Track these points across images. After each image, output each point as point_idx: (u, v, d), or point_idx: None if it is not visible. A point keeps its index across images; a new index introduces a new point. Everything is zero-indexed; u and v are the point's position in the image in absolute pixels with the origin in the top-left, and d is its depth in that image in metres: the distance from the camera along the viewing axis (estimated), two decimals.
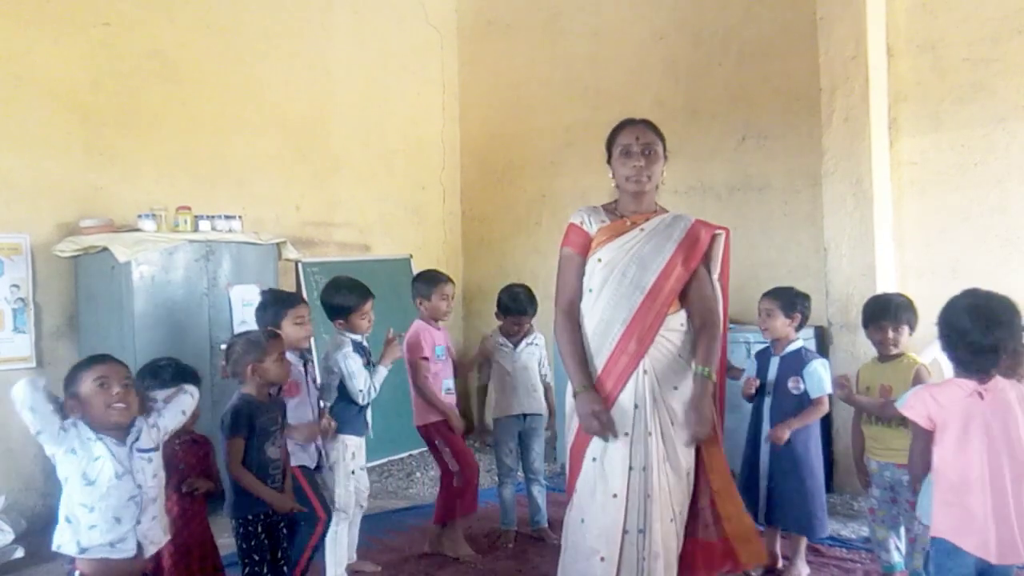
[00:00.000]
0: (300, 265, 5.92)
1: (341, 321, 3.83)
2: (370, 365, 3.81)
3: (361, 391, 3.74)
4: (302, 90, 6.31)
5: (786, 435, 3.67)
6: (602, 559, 2.74)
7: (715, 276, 2.97)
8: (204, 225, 5.05)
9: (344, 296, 3.84)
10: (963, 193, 4.92)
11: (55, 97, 4.98)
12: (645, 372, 2.79)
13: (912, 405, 2.53)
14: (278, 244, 5.44)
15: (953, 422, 2.45)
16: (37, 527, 4.57)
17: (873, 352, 3.63)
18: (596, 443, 2.80)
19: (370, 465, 4.64)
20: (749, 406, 3.92)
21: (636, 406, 2.78)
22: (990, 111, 4.81)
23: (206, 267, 4.98)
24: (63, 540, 2.40)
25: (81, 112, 5.09)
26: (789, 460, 3.73)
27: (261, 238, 5.32)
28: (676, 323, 2.86)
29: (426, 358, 4.10)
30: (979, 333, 2.44)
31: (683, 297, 2.90)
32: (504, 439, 4.40)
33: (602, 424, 2.73)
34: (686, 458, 2.82)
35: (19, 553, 4.22)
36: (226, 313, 5.00)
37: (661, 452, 2.77)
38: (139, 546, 2.46)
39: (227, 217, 5.18)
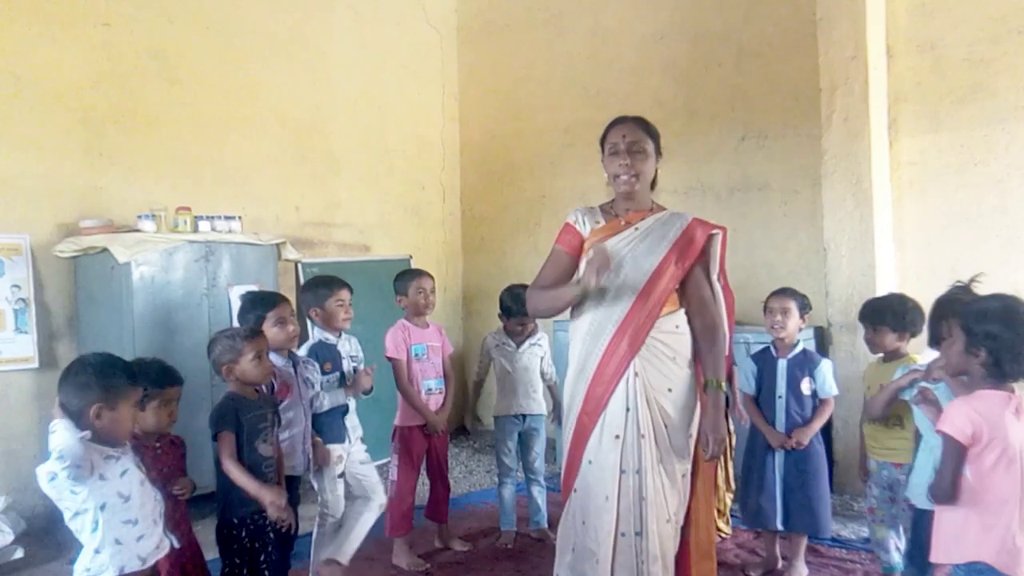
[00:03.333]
0: (300, 265, 5.91)
1: (317, 310, 3.75)
2: (336, 371, 3.70)
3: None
4: (302, 90, 6.30)
5: (808, 438, 3.70)
6: (597, 561, 2.76)
7: (714, 277, 2.93)
8: (204, 225, 5.05)
9: (317, 284, 3.82)
10: (963, 193, 4.92)
11: (55, 97, 4.98)
12: (636, 374, 2.77)
13: (952, 419, 2.33)
14: (278, 244, 5.43)
15: (998, 438, 2.29)
16: (37, 527, 4.57)
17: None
18: (591, 446, 2.80)
19: None
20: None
21: (628, 409, 2.77)
22: (990, 111, 4.81)
23: (206, 267, 4.98)
24: (124, 561, 2.39)
25: (81, 112, 5.09)
26: (805, 462, 3.73)
27: (261, 238, 5.32)
28: (671, 325, 2.83)
29: (390, 358, 4.05)
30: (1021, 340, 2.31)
31: (683, 299, 2.89)
32: (503, 439, 4.41)
33: (600, 266, 2.66)
34: (681, 461, 2.81)
35: (19, 554, 4.22)
36: (226, 313, 5.00)
37: (655, 455, 2.76)
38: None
39: (227, 217, 5.18)
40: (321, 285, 3.80)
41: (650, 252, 2.83)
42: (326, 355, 3.71)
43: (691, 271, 2.87)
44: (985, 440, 2.29)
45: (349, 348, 3.86)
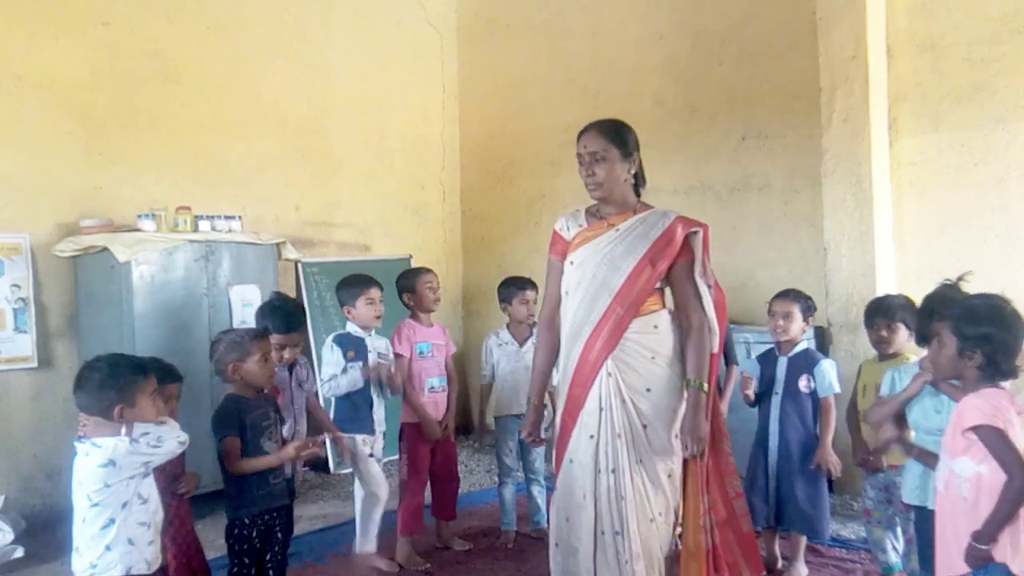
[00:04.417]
0: (300, 265, 5.93)
1: (350, 308, 3.95)
2: (359, 360, 3.84)
3: (322, 380, 3.81)
4: (302, 90, 6.31)
5: (833, 458, 3.69)
6: (579, 558, 2.80)
7: (697, 274, 2.89)
8: (204, 225, 5.06)
9: (349, 283, 4.00)
10: (963, 193, 4.91)
11: (55, 97, 4.98)
12: (609, 374, 2.79)
13: (981, 410, 2.24)
14: (278, 244, 5.44)
15: (1015, 432, 2.22)
16: (37, 527, 4.57)
17: (873, 352, 3.64)
18: (572, 444, 2.84)
19: None
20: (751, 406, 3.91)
21: (601, 408, 2.79)
22: (990, 111, 4.81)
23: (206, 267, 4.99)
24: (132, 562, 2.41)
25: (81, 112, 5.09)
26: (798, 462, 3.73)
27: (261, 238, 5.33)
28: (649, 325, 2.84)
29: (398, 355, 4.08)
30: (1017, 339, 2.30)
31: (667, 298, 2.92)
32: (504, 439, 4.41)
33: (533, 439, 3.07)
34: (664, 461, 2.82)
35: (19, 553, 4.22)
36: (226, 313, 5.00)
37: (632, 455, 2.77)
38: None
39: (227, 217, 5.19)
40: (352, 284, 3.99)
41: (628, 253, 2.84)
42: (350, 344, 3.87)
43: (675, 270, 2.87)
44: (1010, 433, 2.22)
45: (378, 345, 4.01)
